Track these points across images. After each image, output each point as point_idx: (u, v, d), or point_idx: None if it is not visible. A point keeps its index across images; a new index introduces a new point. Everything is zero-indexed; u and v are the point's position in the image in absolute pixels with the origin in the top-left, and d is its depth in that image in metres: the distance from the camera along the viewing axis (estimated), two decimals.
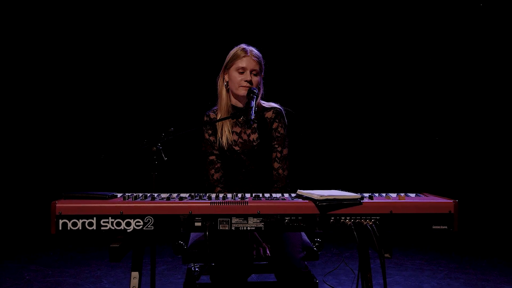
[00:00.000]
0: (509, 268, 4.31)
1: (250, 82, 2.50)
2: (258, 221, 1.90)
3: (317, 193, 1.95)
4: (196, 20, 5.74)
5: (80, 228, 1.86)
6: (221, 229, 1.89)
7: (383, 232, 1.93)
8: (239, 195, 2.10)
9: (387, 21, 5.77)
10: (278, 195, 2.13)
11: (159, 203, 1.90)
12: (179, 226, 1.89)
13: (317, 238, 2.48)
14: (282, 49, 5.52)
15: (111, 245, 1.90)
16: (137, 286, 2.05)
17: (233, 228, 1.90)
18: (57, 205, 1.87)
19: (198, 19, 5.74)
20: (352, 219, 1.93)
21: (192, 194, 2.07)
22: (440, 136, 5.89)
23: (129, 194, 2.07)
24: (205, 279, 2.87)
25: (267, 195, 2.12)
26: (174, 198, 2.00)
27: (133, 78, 5.80)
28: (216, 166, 2.53)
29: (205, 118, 2.62)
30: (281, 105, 2.69)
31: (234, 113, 2.43)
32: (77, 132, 5.79)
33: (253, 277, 3.78)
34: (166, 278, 3.92)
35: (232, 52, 2.59)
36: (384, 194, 2.11)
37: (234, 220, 1.90)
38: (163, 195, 2.06)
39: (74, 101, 5.80)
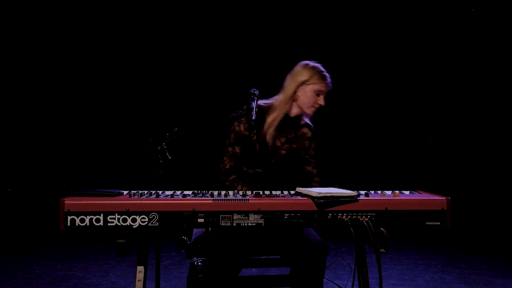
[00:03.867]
0: (499, 262, 4.30)
1: (320, 106, 2.55)
2: (259, 217, 1.90)
3: (315, 191, 1.95)
4: (198, 21, 5.74)
5: (88, 224, 1.86)
6: (223, 225, 1.89)
7: (378, 228, 1.93)
8: (240, 192, 2.10)
9: (382, 23, 5.76)
10: (278, 192, 2.13)
11: (163, 200, 1.90)
12: (183, 222, 1.89)
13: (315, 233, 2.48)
14: (275, 47, 5.51)
15: (117, 241, 1.90)
16: (142, 279, 2.04)
17: (234, 224, 1.90)
18: (65, 202, 1.87)
19: (200, 21, 5.73)
20: (349, 215, 1.93)
21: (195, 191, 2.07)
22: (434, 136, 5.89)
23: (135, 191, 2.07)
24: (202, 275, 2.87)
25: (267, 192, 2.12)
26: (178, 195, 1.99)
27: (140, 80, 5.80)
28: (234, 158, 2.52)
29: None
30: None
31: (240, 114, 2.39)
32: (85, 132, 5.80)
33: (254, 271, 3.78)
34: (170, 272, 3.92)
35: (311, 71, 2.52)
36: (379, 192, 2.11)
37: (235, 216, 1.90)
38: (167, 193, 2.06)
39: (83, 102, 5.80)
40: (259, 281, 2.60)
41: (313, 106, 2.53)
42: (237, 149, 2.52)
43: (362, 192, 2.07)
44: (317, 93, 2.52)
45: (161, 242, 2.30)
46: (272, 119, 2.54)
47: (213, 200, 1.90)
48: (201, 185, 2.69)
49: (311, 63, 2.58)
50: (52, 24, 5.65)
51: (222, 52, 5.69)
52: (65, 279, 3.72)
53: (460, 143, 5.86)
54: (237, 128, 2.54)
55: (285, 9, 5.69)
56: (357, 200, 1.94)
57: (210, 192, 2.09)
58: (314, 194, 1.93)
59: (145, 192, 2.05)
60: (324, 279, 3.53)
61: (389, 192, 2.09)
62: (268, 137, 2.53)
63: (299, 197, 1.96)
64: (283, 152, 2.56)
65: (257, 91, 2.50)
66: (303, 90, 2.53)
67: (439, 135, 5.89)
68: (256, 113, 2.35)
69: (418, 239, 5.10)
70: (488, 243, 5.02)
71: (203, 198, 1.93)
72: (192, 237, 2.44)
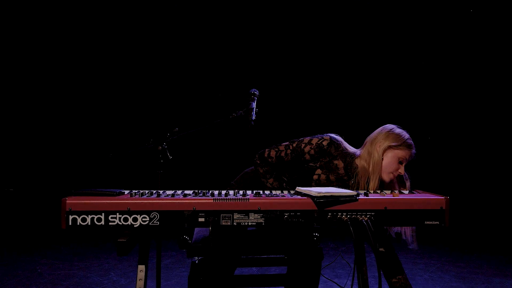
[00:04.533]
0: (498, 261, 4.30)
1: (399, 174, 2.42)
2: (259, 216, 1.90)
3: (315, 190, 1.95)
4: (199, 22, 5.74)
5: (89, 224, 1.86)
6: (223, 224, 1.89)
7: (378, 227, 1.93)
8: (241, 192, 2.10)
9: (381, 23, 5.77)
10: (278, 192, 2.13)
11: (164, 199, 1.90)
12: (184, 222, 1.89)
13: (315, 233, 2.48)
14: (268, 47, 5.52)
15: (118, 240, 1.90)
16: (143, 278, 2.04)
17: (234, 223, 1.89)
18: (67, 201, 1.87)
19: (201, 21, 5.73)
20: (349, 215, 1.93)
21: (196, 191, 2.07)
22: (432, 136, 5.89)
23: (136, 191, 2.06)
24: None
25: (267, 192, 2.12)
26: (178, 195, 1.99)
27: (141, 81, 5.80)
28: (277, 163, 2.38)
29: (325, 143, 2.35)
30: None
31: (240, 115, 2.37)
32: (86, 132, 5.80)
33: (254, 270, 3.78)
34: (171, 271, 3.92)
35: (401, 138, 2.41)
36: (378, 191, 2.11)
37: (236, 216, 1.90)
38: (168, 192, 2.06)
39: (85, 102, 5.80)
40: (256, 280, 2.60)
41: (392, 174, 2.37)
42: (287, 159, 2.36)
43: (362, 191, 2.07)
44: (400, 161, 2.39)
45: (162, 241, 2.30)
46: (374, 181, 2.36)
47: (213, 199, 1.90)
48: (201, 184, 2.69)
49: (402, 131, 2.46)
50: (54, 26, 5.66)
51: (222, 53, 5.69)
52: (67, 278, 3.72)
53: (458, 143, 5.86)
54: (306, 150, 2.35)
55: (285, 10, 5.69)
56: (357, 200, 1.94)
57: (210, 191, 2.09)
58: (314, 194, 1.93)
59: (146, 191, 2.05)
60: (324, 278, 3.53)
61: (388, 192, 2.09)
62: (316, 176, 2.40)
63: (299, 197, 1.96)
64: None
65: (257, 91, 2.50)
66: (389, 153, 2.38)
67: (438, 135, 5.89)
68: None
69: (417, 238, 5.09)
70: (486, 242, 5.02)
71: (203, 197, 1.93)
72: (193, 237, 2.44)
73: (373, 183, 2.34)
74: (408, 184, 2.46)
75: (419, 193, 2.12)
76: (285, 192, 2.13)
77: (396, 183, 2.44)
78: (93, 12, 5.67)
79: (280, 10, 5.68)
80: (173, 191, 2.10)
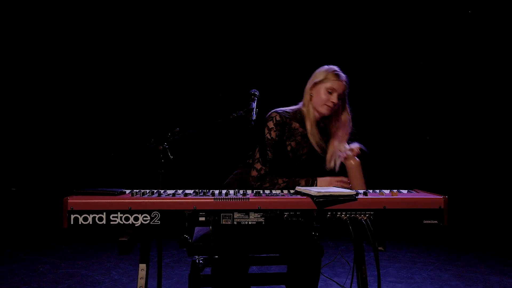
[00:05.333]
0: (495, 260, 4.30)
1: (334, 104, 2.48)
2: (259, 216, 1.90)
3: (315, 190, 1.95)
4: (200, 22, 5.74)
5: (91, 223, 1.86)
6: (223, 224, 1.89)
7: (377, 227, 1.93)
8: (241, 191, 2.10)
9: (380, 23, 5.77)
10: (278, 191, 2.13)
11: (165, 199, 1.90)
12: (184, 221, 1.89)
13: (314, 232, 2.48)
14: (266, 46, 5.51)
15: (120, 239, 1.90)
16: (144, 277, 2.04)
17: (235, 222, 1.89)
18: (69, 201, 1.87)
19: (202, 22, 5.73)
20: (348, 214, 1.93)
21: (197, 190, 2.07)
22: (431, 136, 5.89)
23: (137, 190, 2.06)
24: (208, 270, 2.88)
25: (267, 191, 2.12)
26: (179, 194, 1.99)
27: (142, 81, 5.80)
28: (269, 165, 2.45)
29: (277, 117, 2.49)
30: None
31: (241, 115, 2.39)
32: (88, 132, 5.80)
33: (254, 269, 3.78)
34: (172, 270, 3.92)
35: (324, 72, 2.51)
36: (378, 191, 2.11)
37: (236, 215, 1.90)
38: (169, 192, 2.06)
39: (86, 102, 5.81)
40: (257, 279, 2.60)
41: (326, 105, 2.46)
42: (270, 157, 2.44)
43: (361, 191, 2.07)
44: (329, 91, 2.47)
45: (163, 240, 2.30)
46: (310, 125, 2.49)
47: (214, 199, 1.90)
48: (202, 184, 2.69)
49: (327, 66, 2.55)
50: (56, 25, 5.66)
51: (223, 53, 5.69)
52: (68, 276, 3.72)
53: (457, 143, 5.86)
54: (268, 136, 2.46)
55: (285, 10, 5.69)
56: (356, 199, 1.93)
57: (211, 191, 2.08)
58: (313, 193, 1.93)
59: (147, 191, 2.05)
60: (324, 277, 3.53)
61: (387, 191, 2.09)
62: (316, 143, 2.49)
63: (298, 196, 1.96)
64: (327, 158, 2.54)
65: (258, 91, 2.50)
66: (315, 91, 2.50)
67: (437, 135, 5.89)
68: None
69: (415, 237, 5.10)
70: (484, 241, 5.02)
71: (204, 197, 1.93)
72: (194, 236, 2.44)
73: (310, 123, 2.47)
74: (348, 125, 2.57)
75: (418, 192, 2.12)
76: (285, 191, 2.13)
77: (338, 129, 2.56)
78: (97, 13, 5.67)
79: (280, 11, 5.69)
80: (174, 190, 2.10)
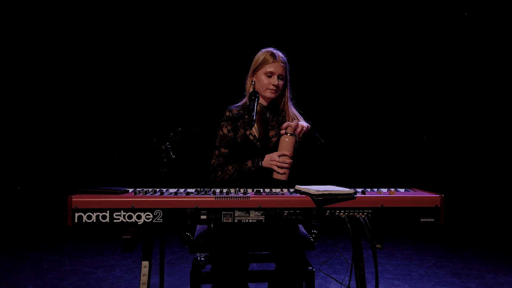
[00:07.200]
0: (491, 257, 4.30)
1: (276, 86, 2.49)
2: (259, 214, 1.90)
3: (314, 188, 1.95)
4: (201, 23, 5.73)
5: (94, 221, 1.87)
6: (224, 222, 1.89)
7: (374, 225, 1.93)
8: (242, 190, 2.10)
9: (380, 23, 5.76)
10: (278, 190, 2.13)
11: (167, 197, 1.90)
12: (186, 219, 1.89)
13: (313, 230, 2.48)
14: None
15: (123, 237, 1.90)
16: (147, 274, 2.05)
17: (236, 220, 1.90)
18: (73, 199, 1.87)
19: (203, 22, 5.73)
20: (346, 212, 1.93)
21: (198, 189, 2.07)
22: (428, 136, 5.89)
23: (140, 189, 2.07)
24: (210, 267, 2.87)
25: (267, 190, 2.12)
26: (181, 193, 2.00)
27: (144, 81, 5.80)
28: (223, 159, 2.49)
29: (228, 113, 2.55)
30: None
31: (241, 115, 2.42)
32: (92, 132, 5.80)
33: (254, 266, 3.78)
34: (174, 267, 3.92)
35: (261, 56, 2.54)
36: (375, 189, 2.11)
37: (237, 213, 1.90)
38: (171, 190, 2.06)
39: (90, 102, 5.80)
40: (256, 276, 2.59)
41: (268, 89, 2.48)
42: (225, 151, 2.49)
43: (359, 190, 2.07)
44: (268, 75, 2.49)
45: (165, 238, 2.30)
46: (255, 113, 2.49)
47: (215, 197, 1.90)
48: (203, 183, 2.69)
49: (264, 49, 2.57)
50: (57, 25, 5.66)
51: (224, 54, 5.68)
52: (72, 273, 3.73)
53: (453, 142, 5.86)
54: (224, 131, 2.52)
55: (286, 10, 5.69)
56: (354, 198, 1.94)
57: (212, 190, 2.09)
58: (312, 192, 1.93)
59: (150, 190, 2.05)
60: (322, 274, 3.53)
61: (385, 190, 2.09)
62: (254, 133, 2.51)
63: (298, 195, 1.97)
64: (273, 140, 2.53)
65: (258, 93, 2.51)
66: (256, 77, 2.53)
67: (433, 135, 5.89)
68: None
69: (412, 235, 5.10)
70: (480, 239, 5.02)
71: (205, 195, 1.93)
72: (195, 233, 2.44)
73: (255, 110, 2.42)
74: (292, 112, 2.57)
75: (415, 191, 2.12)
76: (285, 190, 2.13)
77: (290, 107, 2.58)
78: (98, 13, 5.67)
79: (280, 11, 5.68)
80: (176, 189, 2.10)
